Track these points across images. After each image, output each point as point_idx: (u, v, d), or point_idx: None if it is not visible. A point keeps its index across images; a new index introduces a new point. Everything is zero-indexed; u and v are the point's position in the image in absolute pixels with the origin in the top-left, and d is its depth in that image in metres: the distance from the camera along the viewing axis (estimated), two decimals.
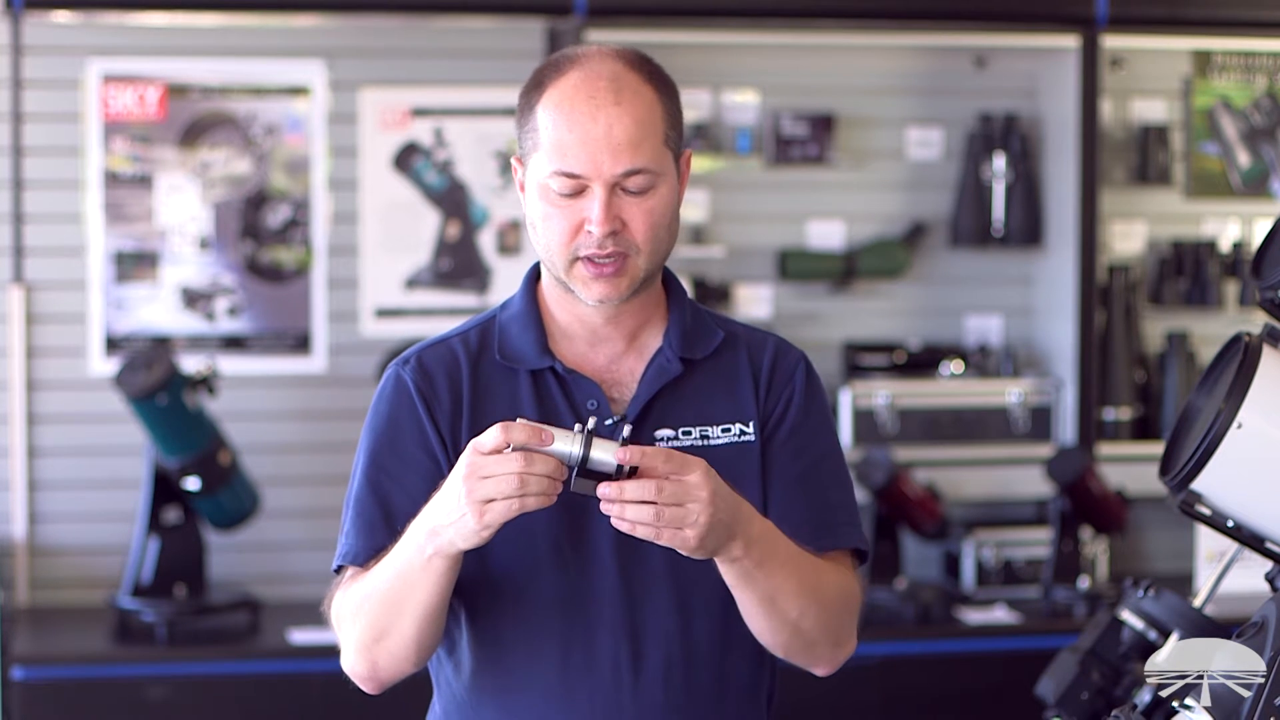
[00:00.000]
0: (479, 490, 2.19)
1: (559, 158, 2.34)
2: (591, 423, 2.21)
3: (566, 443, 2.19)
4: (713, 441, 2.43)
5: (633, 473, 2.20)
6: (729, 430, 2.44)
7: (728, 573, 2.31)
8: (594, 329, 2.45)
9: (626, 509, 2.19)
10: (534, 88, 2.39)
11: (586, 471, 2.19)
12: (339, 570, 2.45)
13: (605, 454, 2.19)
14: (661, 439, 2.41)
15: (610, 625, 2.39)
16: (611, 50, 2.40)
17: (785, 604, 2.34)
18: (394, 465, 2.42)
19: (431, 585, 2.29)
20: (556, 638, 2.39)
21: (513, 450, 2.19)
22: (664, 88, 2.39)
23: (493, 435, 2.20)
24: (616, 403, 2.42)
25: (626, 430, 2.23)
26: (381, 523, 2.40)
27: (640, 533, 2.21)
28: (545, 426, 2.21)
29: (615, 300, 2.38)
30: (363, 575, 2.39)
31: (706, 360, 2.47)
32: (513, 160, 2.45)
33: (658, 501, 2.19)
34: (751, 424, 2.45)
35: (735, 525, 2.26)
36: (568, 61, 2.38)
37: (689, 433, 2.43)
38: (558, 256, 2.37)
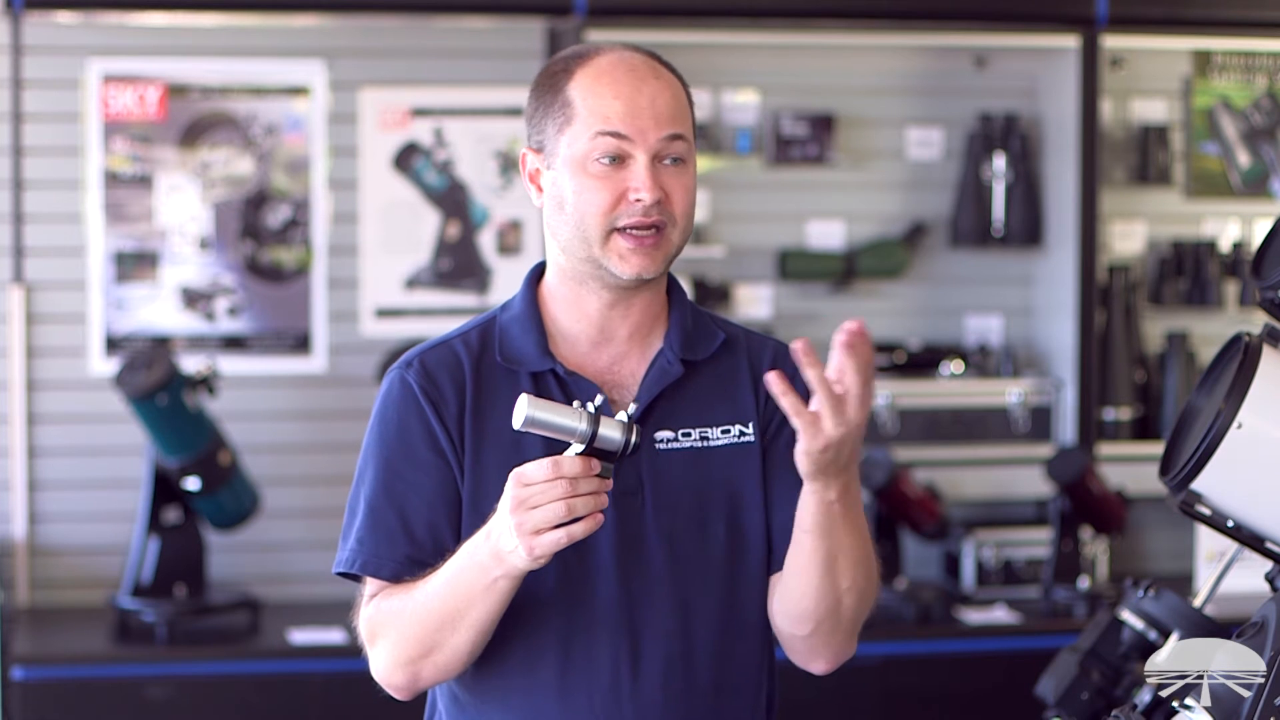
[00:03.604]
0: (527, 522, 2.20)
1: (602, 120, 2.36)
2: (599, 400, 2.22)
3: (574, 419, 2.20)
4: (712, 443, 2.44)
5: (634, 452, 2.22)
6: (729, 431, 2.44)
7: (820, 514, 2.29)
8: (600, 327, 2.45)
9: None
10: (560, 72, 2.42)
11: (591, 450, 2.20)
12: (346, 575, 2.45)
13: (613, 432, 2.20)
14: (661, 440, 2.41)
15: (610, 625, 2.39)
16: (623, 45, 2.45)
17: (842, 569, 2.34)
18: (409, 471, 2.41)
19: (493, 603, 2.30)
20: (556, 637, 2.39)
21: (522, 429, 2.20)
22: (683, 82, 2.45)
23: (540, 468, 2.20)
24: (617, 405, 2.42)
25: (631, 408, 2.24)
26: (400, 531, 2.40)
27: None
28: (559, 412, 2.20)
29: (651, 275, 2.38)
30: (397, 591, 2.39)
31: (706, 362, 2.47)
32: (524, 152, 2.46)
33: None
34: (751, 425, 2.45)
35: (854, 462, 2.27)
36: (594, 50, 2.43)
37: (688, 434, 2.43)
38: (593, 229, 2.37)
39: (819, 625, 2.39)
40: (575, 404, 2.22)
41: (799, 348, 2.20)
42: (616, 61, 2.39)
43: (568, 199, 2.39)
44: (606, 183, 2.36)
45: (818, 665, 2.46)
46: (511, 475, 2.23)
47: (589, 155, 2.37)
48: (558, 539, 2.21)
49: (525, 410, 2.19)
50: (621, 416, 2.22)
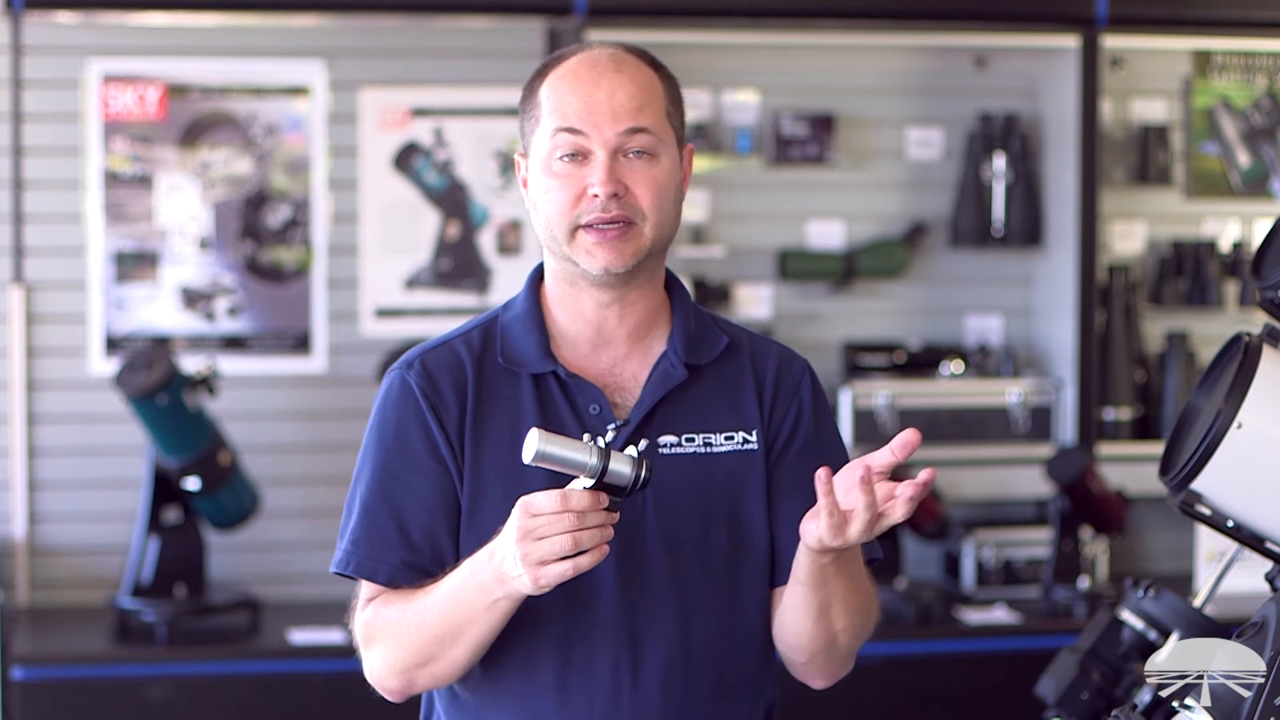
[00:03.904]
0: (534, 553, 2.20)
1: (560, 117, 2.35)
2: (610, 435, 2.21)
3: (585, 454, 2.19)
4: (716, 449, 2.43)
5: (644, 487, 2.21)
6: (732, 438, 2.43)
7: (814, 570, 2.31)
8: (598, 327, 2.43)
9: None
10: (537, 75, 2.42)
11: (600, 485, 2.20)
12: (342, 575, 2.44)
13: (623, 467, 2.20)
14: (664, 445, 2.40)
15: (610, 628, 2.38)
16: (613, 44, 2.43)
17: (837, 615, 2.37)
18: (406, 474, 2.41)
19: (493, 621, 2.31)
20: (557, 639, 2.38)
21: (533, 464, 2.19)
22: (664, 73, 2.43)
23: (549, 500, 2.20)
24: (619, 407, 2.41)
25: (643, 444, 2.24)
26: (396, 535, 2.40)
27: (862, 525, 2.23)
28: (570, 447, 2.20)
29: (620, 269, 2.36)
30: (395, 598, 2.38)
31: (710, 366, 2.46)
32: (516, 156, 2.46)
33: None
34: (755, 432, 2.44)
35: None
36: (570, 51, 2.43)
37: (692, 439, 2.42)
38: (558, 227, 2.36)
39: (814, 657, 2.42)
40: (586, 437, 2.21)
41: (861, 475, 2.21)
42: (582, 59, 2.38)
43: (539, 200, 2.39)
44: (568, 180, 2.35)
45: (815, 683, 2.49)
46: (519, 504, 2.22)
47: (551, 154, 2.36)
48: (563, 571, 2.20)
49: (536, 445, 2.18)
50: (631, 451, 2.21)
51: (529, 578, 2.21)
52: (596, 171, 2.34)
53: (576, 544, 2.19)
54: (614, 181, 2.34)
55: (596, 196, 2.34)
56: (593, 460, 2.18)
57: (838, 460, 2.47)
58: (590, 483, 2.19)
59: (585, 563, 2.20)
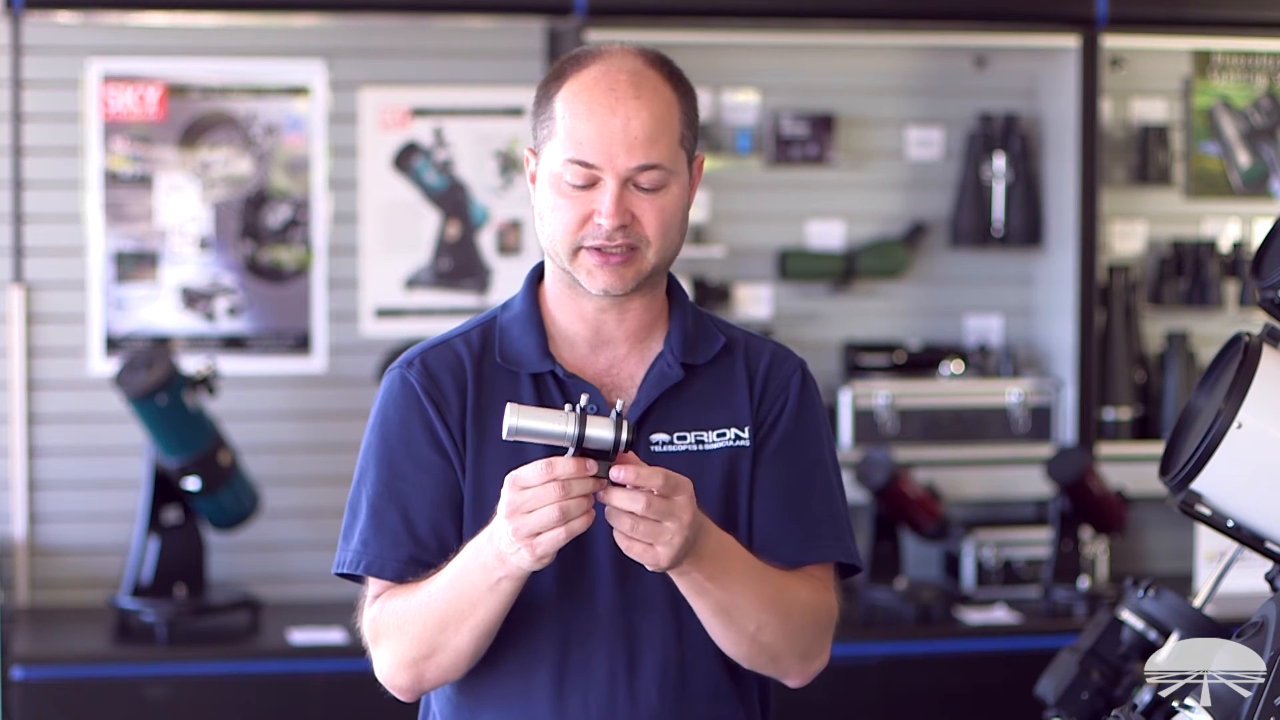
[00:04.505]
0: (524, 526, 2.21)
1: (574, 146, 2.33)
2: (584, 400, 2.22)
3: (561, 423, 2.20)
4: (708, 446, 2.43)
5: (630, 447, 2.21)
6: (724, 435, 2.44)
7: (680, 584, 2.32)
8: (597, 329, 2.44)
9: (613, 515, 2.22)
10: (554, 79, 2.39)
11: (584, 451, 2.21)
12: (346, 575, 2.44)
13: (603, 431, 2.20)
14: (657, 443, 2.41)
15: (607, 628, 2.39)
16: (633, 49, 2.40)
17: (741, 617, 2.35)
18: (411, 471, 2.41)
19: (497, 603, 2.31)
20: (553, 640, 2.39)
21: (510, 439, 2.20)
22: (682, 88, 2.40)
23: (534, 472, 2.20)
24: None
25: (619, 404, 2.23)
26: (404, 532, 2.40)
27: (618, 540, 2.24)
28: (546, 418, 2.21)
29: (620, 291, 2.37)
30: (400, 591, 2.38)
31: (706, 366, 2.46)
32: (525, 151, 2.45)
33: (641, 514, 2.21)
34: (747, 429, 2.44)
35: (694, 542, 2.27)
36: (589, 56, 2.39)
37: (684, 437, 2.42)
38: (561, 245, 2.36)
39: (751, 659, 2.41)
40: (567, 407, 2.22)
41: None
42: (600, 76, 2.35)
43: (544, 213, 2.39)
44: (575, 202, 2.34)
45: (787, 681, 2.47)
46: (507, 479, 2.23)
47: (560, 176, 2.35)
48: (556, 538, 2.21)
49: (509, 420, 2.20)
50: (611, 414, 2.22)
51: (525, 551, 2.22)
52: (605, 201, 2.33)
53: (564, 513, 2.20)
54: (622, 213, 2.33)
55: (601, 225, 2.34)
56: (569, 428, 2.19)
57: (816, 463, 2.46)
58: (573, 450, 2.20)
59: (579, 526, 2.21)
